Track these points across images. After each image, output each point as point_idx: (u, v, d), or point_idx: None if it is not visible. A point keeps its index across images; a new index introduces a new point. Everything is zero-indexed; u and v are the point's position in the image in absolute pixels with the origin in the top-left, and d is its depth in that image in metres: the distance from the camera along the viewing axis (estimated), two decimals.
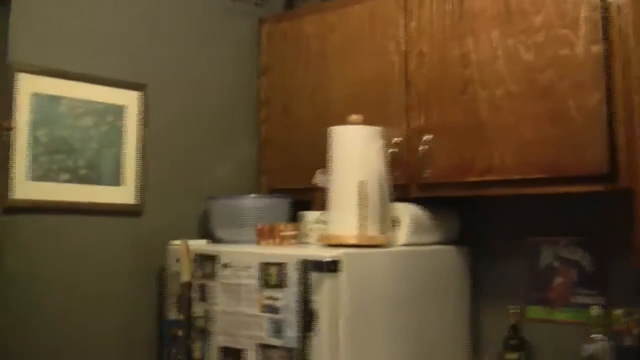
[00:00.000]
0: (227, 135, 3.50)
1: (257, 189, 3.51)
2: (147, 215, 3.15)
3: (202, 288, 2.94)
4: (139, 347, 3.15)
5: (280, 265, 2.68)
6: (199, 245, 3.06)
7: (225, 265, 2.86)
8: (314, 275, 2.58)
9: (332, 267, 2.57)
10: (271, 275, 2.71)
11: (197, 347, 2.94)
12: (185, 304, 2.90)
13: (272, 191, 3.46)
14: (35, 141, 2.80)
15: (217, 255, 2.90)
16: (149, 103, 3.16)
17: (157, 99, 3.19)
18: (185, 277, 2.88)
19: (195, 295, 2.95)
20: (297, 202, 3.24)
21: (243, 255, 2.82)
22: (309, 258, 2.59)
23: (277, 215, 3.14)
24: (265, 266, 2.73)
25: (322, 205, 2.98)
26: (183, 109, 3.33)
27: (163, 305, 3.12)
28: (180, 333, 2.93)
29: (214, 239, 3.18)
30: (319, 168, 3.07)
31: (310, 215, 3.08)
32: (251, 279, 2.77)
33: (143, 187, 3.13)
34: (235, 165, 3.50)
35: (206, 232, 3.27)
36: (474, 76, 2.80)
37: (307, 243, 3.02)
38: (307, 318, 2.58)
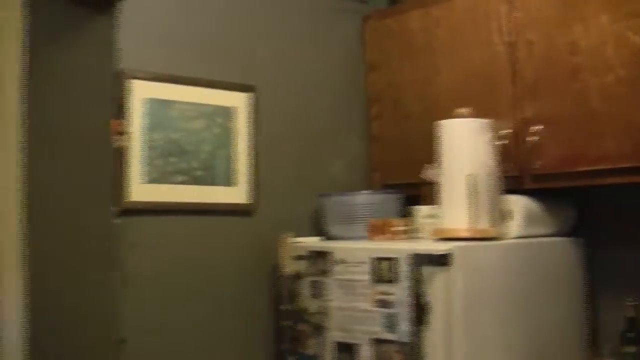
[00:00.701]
0: (337, 133, 3.54)
1: (369, 185, 3.53)
2: (259, 214, 3.22)
3: (316, 284, 2.99)
4: (256, 343, 3.22)
5: (392, 260, 2.70)
6: (312, 242, 3.11)
7: (339, 262, 2.90)
8: (426, 269, 2.59)
9: (444, 260, 2.57)
10: (383, 270, 2.73)
11: (312, 343, 2.99)
12: (286, 295, 2.98)
13: (384, 187, 3.47)
14: (150, 145, 2.91)
15: (330, 252, 2.94)
16: (259, 104, 3.23)
17: (266, 99, 3.26)
18: (287, 269, 2.92)
19: (309, 291, 3.00)
20: (408, 197, 3.24)
21: (355, 251, 2.85)
22: (421, 252, 2.60)
23: (388, 211, 3.16)
24: (378, 261, 2.75)
25: (431, 200, 2.97)
26: (292, 109, 3.38)
27: (278, 301, 3.18)
28: (297, 327, 3.00)
29: (327, 236, 3.23)
30: (429, 162, 3.06)
31: (421, 210, 3.08)
32: (364, 275, 2.79)
33: (255, 186, 3.20)
34: (346, 162, 3.54)
35: (318, 229, 3.32)
36: (583, 63, 2.74)
37: (418, 238, 3.02)
38: (420, 312, 2.59)
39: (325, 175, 3.46)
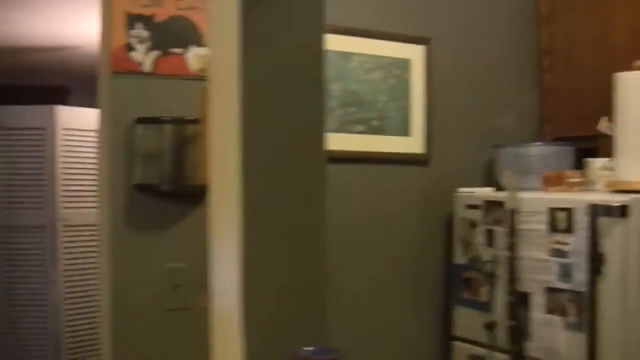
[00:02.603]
0: (508, 85, 3.56)
1: (539, 138, 3.55)
2: (433, 164, 3.31)
3: (490, 233, 3.05)
4: (426, 290, 3.34)
5: (569, 211, 2.73)
6: (486, 192, 3.17)
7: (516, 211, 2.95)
8: (603, 220, 2.61)
9: (621, 212, 2.58)
10: (560, 221, 2.76)
11: (484, 290, 3.07)
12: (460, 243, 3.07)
13: (555, 139, 3.48)
14: (329, 95, 3.04)
15: (505, 202, 2.99)
16: (433, 56, 3.30)
17: (440, 51, 3.32)
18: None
19: (482, 240, 3.08)
20: (580, 149, 3.24)
21: (532, 201, 2.89)
22: (598, 203, 2.62)
23: (561, 163, 3.17)
24: (554, 212, 2.79)
25: (607, 153, 2.96)
26: (465, 61, 3.43)
27: (450, 250, 3.27)
28: (470, 274, 3.09)
29: (499, 187, 3.27)
30: (603, 115, 3.05)
31: (597, 163, 3.07)
32: (540, 224, 2.83)
33: (429, 137, 3.29)
34: (517, 115, 3.56)
35: (490, 180, 3.37)
36: None
37: (593, 190, 3.02)
38: (596, 262, 2.62)
39: (496, 127, 3.50)
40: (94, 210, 5.34)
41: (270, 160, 1.74)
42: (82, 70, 6.03)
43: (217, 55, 1.82)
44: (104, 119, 2.82)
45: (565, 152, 3.23)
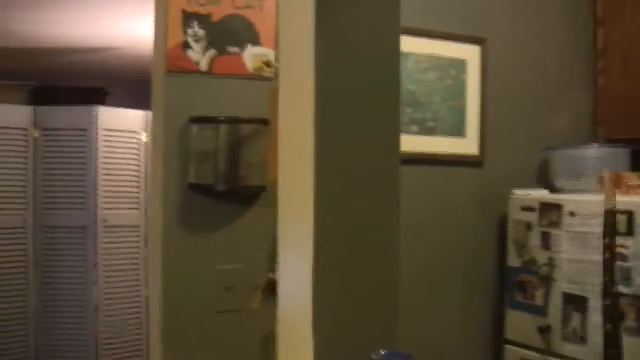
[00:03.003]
0: (562, 86, 3.50)
1: (593, 140, 3.49)
2: (487, 165, 3.27)
3: (546, 236, 3.00)
4: (478, 293, 3.29)
5: (629, 214, 2.67)
6: (541, 194, 3.13)
7: (572, 214, 2.90)
8: None
9: None
10: (621, 223, 2.70)
11: (539, 293, 3.02)
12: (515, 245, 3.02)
13: (609, 141, 3.42)
14: None
15: (562, 204, 2.94)
16: (488, 56, 3.25)
17: (495, 52, 3.27)
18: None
19: (538, 243, 3.02)
20: (636, 152, 3.18)
21: (590, 204, 2.84)
22: None
23: (617, 165, 3.11)
24: (614, 214, 2.73)
25: None
26: (520, 61, 3.38)
27: (503, 252, 3.22)
28: (524, 277, 3.04)
29: (553, 189, 3.22)
30: None
31: None
32: (600, 227, 2.78)
33: (483, 138, 3.24)
34: (570, 116, 3.50)
35: (543, 182, 3.32)
36: None
37: None
38: None
39: (550, 128, 3.44)
40: (132, 211, 5.37)
41: (344, 161, 1.71)
42: (121, 72, 6.05)
43: (289, 55, 1.79)
44: (157, 118, 2.80)
45: (621, 154, 3.18)
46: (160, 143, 2.76)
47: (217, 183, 2.76)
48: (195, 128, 2.73)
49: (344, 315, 1.73)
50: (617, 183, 2.97)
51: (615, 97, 3.46)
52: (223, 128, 2.75)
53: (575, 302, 2.87)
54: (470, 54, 3.21)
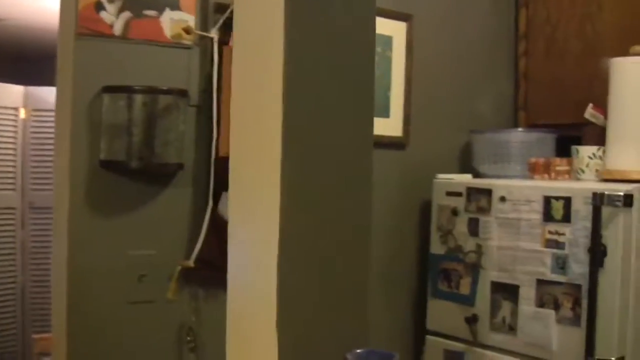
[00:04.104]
0: (486, 70, 3.40)
1: (514, 125, 3.41)
2: (411, 148, 3.13)
3: (474, 222, 2.89)
4: (398, 281, 3.15)
5: (566, 199, 2.59)
6: (467, 178, 3.01)
7: (503, 199, 2.79)
8: (605, 210, 2.47)
9: (627, 201, 2.46)
10: (556, 210, 2.62)
11: (465, 282, 2.91)
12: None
13: (530, 127, 3.35)
14: None
15: (492, 189, 2.83)
16: (414, 34, 3.10)
17: (421, 30, 3.13)
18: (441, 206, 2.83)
19: (464, 229, 2.91)
20: (561, 137, 3.11)
21: (524, 189, 2.74)
22: (601, 192, 2.48)
23: (543, 151, 3.04)
24: (550, 200, 2.64)
25: (592, 141, 2.85)
26: (445, 41, 3.26)
27: (426, 239, 3.09)
28: (450, 265, 2.93)
29: (476, 174, 3.12)
30: (586, 102, 2.93)
31: (585, 151, 2.94)
32: (533, 213, 2.69)
33: (407, 119, 3.10)
34: (493, 100, 3.41)
35: (466, 167, 3.21)
36: None
37: (582, 179, 2.89)
38: (598, 253, 2.49)
39: (473, 112, 3.34)
40: (8, 192, 5.01)
41: (314, 138, 1.51)
42: None
43: (252, 23, 1.56)
44: (63, 86, 2.51)
45: (548, 139, 3.10)
46: (66, 115, 2.46)
47: (131, 160, 2.48)
48: (107, 98, 2.46)
49: (312, 310, 1.53)
50: (547, 168, 2.89)
51: (538, 81, 3.39)
52: (138, 99, 2.48)
53: (505, 291, 2.77)
54: (396, 30, 3.05)
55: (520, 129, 3.19)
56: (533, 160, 2.92)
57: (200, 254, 2.59)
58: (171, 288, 2.56)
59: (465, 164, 3.23)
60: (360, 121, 1.59)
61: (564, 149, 3.01)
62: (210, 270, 2.57)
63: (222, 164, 2.55)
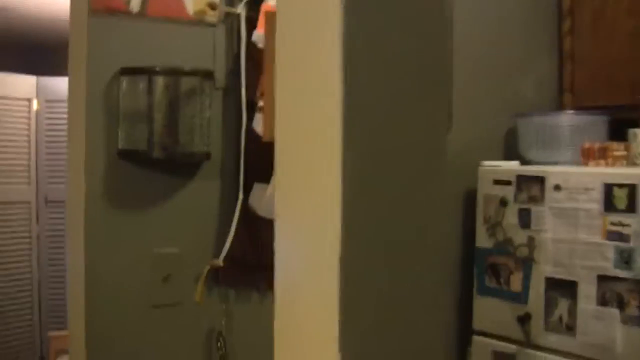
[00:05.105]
0: (527, 49, 3.15)
1: (559, 108, 3.16)
2: (452, 133, 2.88)
3: (525, 213, 2.65)
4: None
5: (631, 187, 2.35)
6: (516, 166, 2.78)
7: (558, 188, 2.55)
8: None
9: None
10: (620, 198, 2.38)
11: (516, 278, 2.67)
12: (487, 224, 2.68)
13: (578, 109, 3.10)
14: None
15: (546, 177, 2.59)
16: (453, 13, 2.86)
17: (459, 9, 2.88)
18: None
19: (515, 221, 2.67)
20: (614, 120, 2.87)
21: (581, 175, 2.51)
22: None
23: (594, 135, 2.80)
24: (612, 188, 2.40)
25: None
26: (483, 21, 3.02)
27: (471, 232, 2.86)
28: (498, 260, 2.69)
29: (523, 161, 2.88)
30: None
31: None
32: (592, 203, 2.45)
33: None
34: (535, 82, 3.16)
35: (510, 153, 2.97)
36: None
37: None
38: None
39: (513, 95, 3.10)
40: (22, 186, 4.88)
41: (383, 126, 1.28)
42: (7, 35, 5.40)
43: None
44: (77, 69, 2.29)
45: (599, 122, 2.86)
46: (80, 100, 2.24)
47: (152, 149, 2.26)
48: (125, 82, 2.24)
49: (380, 322, 1.31)
50: (603, 154, 2.66)
51: (585, 61, 3.14)
52: (159, 81, 2.26)
53: (561, 287, 2.54)
54: None
55: (570, 112, 2.94)
56: (587, 145, 2.69)
57: (231, 252, 2.37)
58: (198, 290, 2.34)
59: (510, 150, 3.00)
60: (433, 96, 1.36)
61: (616, 133, 2.77)
62: (241, 270, 2.36)
63: (255, 151, 2.33)
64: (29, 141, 4.91)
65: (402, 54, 1.32)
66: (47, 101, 4.90)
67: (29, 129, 4.89)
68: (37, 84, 4.89)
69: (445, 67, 1.34)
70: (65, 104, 2.30)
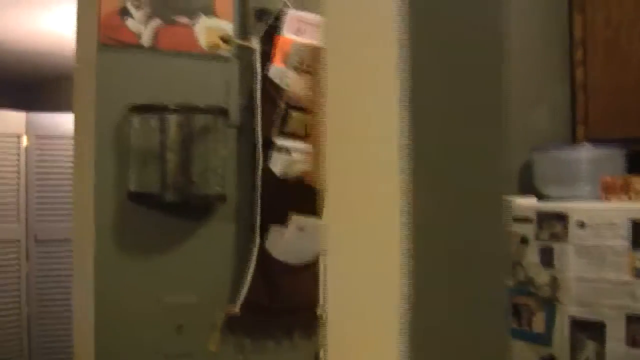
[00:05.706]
0: (538, 81, 3.08)
1: (571, 140, 3.08)
2: None
3: (547, 251, 2.56)
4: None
5: None
6: (534, 202, 2.69)
7: (581, 225, 2.46)
8: None
9: None
10: None
11: (539, 319, 2.58)
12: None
13: (591, 142, 3.02)
14: None
15: (568, 214, 2.51)
16: None
17: None
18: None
19: (536, 259, 2.58)
20: (631, 153, 2.80)
21: (606, 211, 2.42)
22: None
23: (612, 168, 2.72)
24: (638, 224, 2.32)
25: None
26: None
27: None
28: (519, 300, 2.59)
29: (539, 196, 2.79)
30: None
31: None
32: (618, 239, 2.36)
33: None
34: (546, 114, 3.09)
35: (525, 188, 2.88)
36: None
37: None
38: None
39: (526, 127, 3.01)
40: (11, 225, 4.73)
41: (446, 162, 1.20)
42: None
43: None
44: (85, 107, 2.17)
45: (616, 155, 2.78)
46: (88, 139, 2.12)
47: (165, 191, 2.15)
48: (136, 120, 2.12)
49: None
50: (625, 188, 2.58)
51: (598, 92, 3.07)
52: (172, 120, 2.15)
53: (587, 329, 2.44)
54: None
55: (588, 145, 2.86)
56: (608, 179, 2.60)
57: (247, 298, 2.25)
58: (214, 338, 2.21)
59: (524, 185, 2.90)
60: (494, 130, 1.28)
61: (633, 166, 2.69)
62: (257, 317, 2.24)
63: (270, 192, 2.23)
64: (18, 178, 4.78)
65: (459, 90, 1.24)
66: (37, 137, 4.77)
67: (18, 166, 4.75)
68: (27, 119, 4.77)
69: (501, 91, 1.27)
70: (56, 140, 2.19)
